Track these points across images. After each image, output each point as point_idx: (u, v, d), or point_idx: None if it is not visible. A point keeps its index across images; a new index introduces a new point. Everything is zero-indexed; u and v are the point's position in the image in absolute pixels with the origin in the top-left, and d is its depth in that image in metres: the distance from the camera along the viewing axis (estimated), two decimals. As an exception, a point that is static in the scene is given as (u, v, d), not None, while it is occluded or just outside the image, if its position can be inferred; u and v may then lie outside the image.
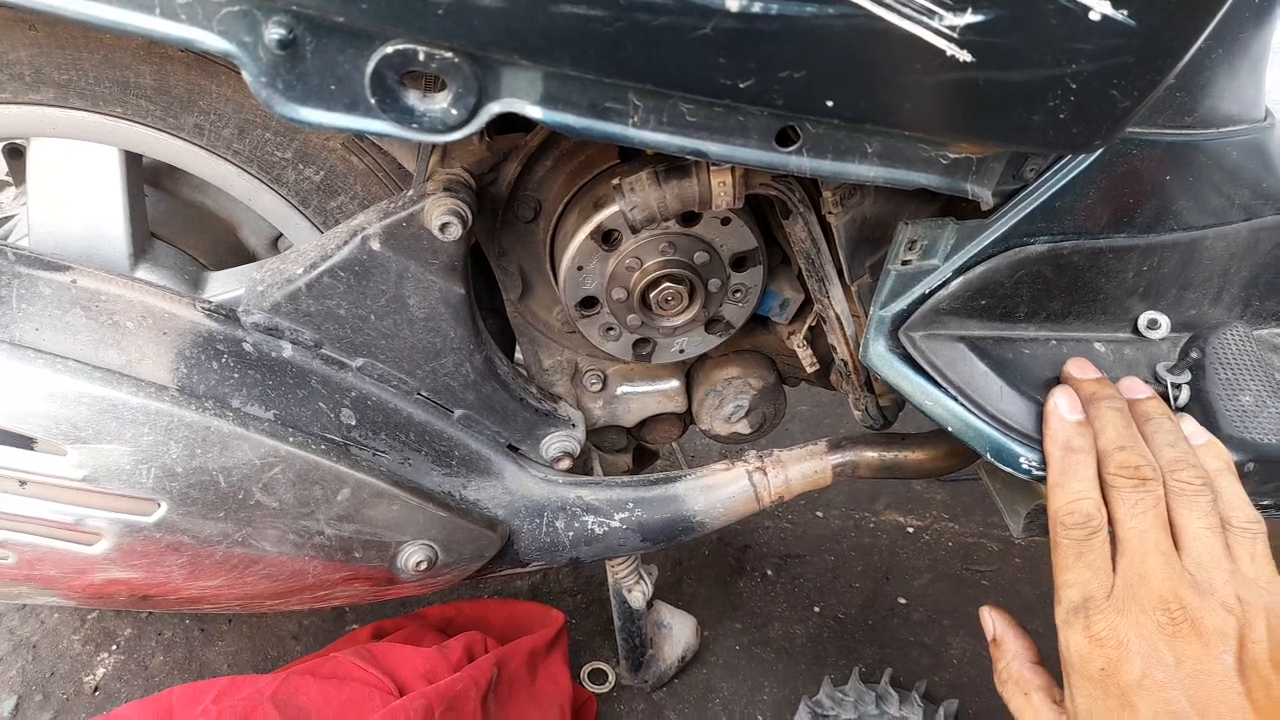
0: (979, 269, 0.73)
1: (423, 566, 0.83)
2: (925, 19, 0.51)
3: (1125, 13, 0.53)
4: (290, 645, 1.34)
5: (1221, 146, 0.78)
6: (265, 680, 0.95)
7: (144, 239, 0.86)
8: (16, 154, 1.00)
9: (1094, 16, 0.53)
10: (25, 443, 0.68)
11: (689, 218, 0.80)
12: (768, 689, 1.31)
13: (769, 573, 1.51)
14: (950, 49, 0.52)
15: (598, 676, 1.30)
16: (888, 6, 0.50)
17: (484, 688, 1.00)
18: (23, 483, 0.70)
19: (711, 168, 0.71)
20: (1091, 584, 0.65)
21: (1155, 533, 0.64)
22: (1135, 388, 0.74)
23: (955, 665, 1.36)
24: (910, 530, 1.61)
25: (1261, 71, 0.82)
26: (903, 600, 1.47)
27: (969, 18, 0.51)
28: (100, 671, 1.29)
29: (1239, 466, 0.72)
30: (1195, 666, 0.61)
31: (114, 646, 1.32)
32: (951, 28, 0.52)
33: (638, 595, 1.16)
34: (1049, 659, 0.72)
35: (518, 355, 0.99)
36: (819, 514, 1.64)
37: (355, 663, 0.99)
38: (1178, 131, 0.74)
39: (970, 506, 1.66)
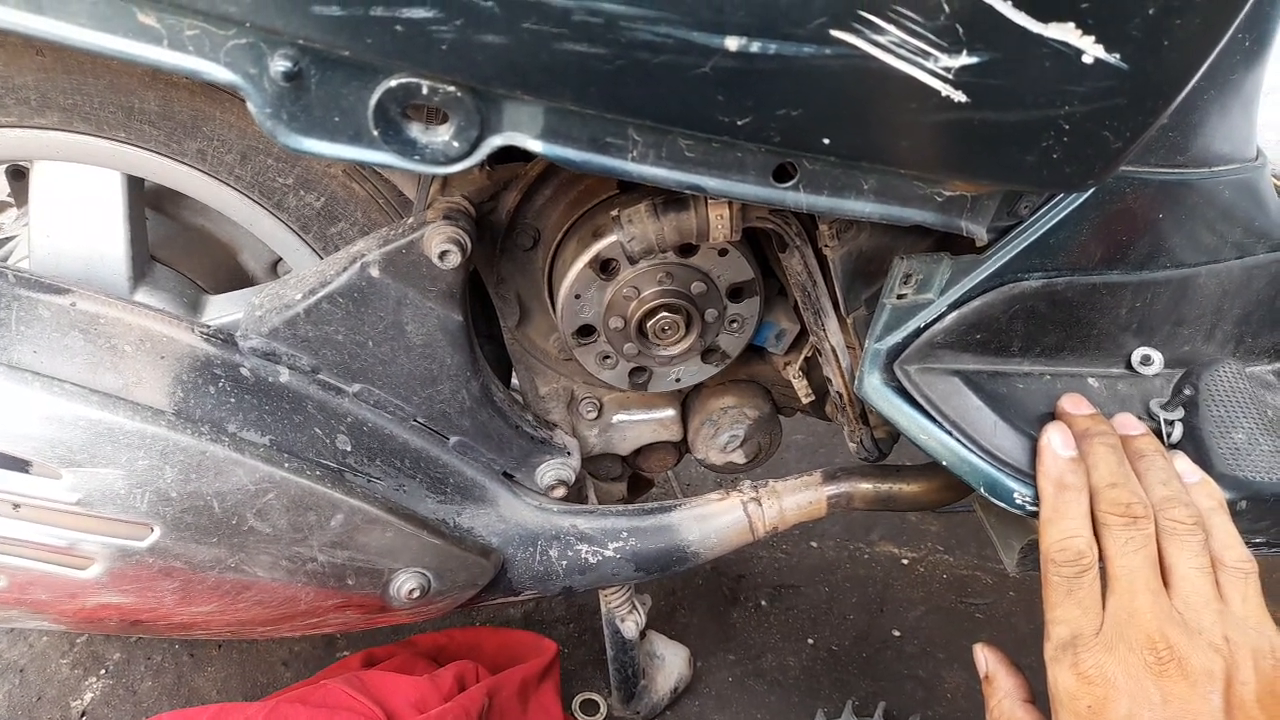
0: (974, 304, 0.74)
1: (415, 594, 0.83)
2: (921, 60, 0.52)
3: (1118, 56, 0.54)
4: (280, 672, 1.33)
5: (1214, 185, 0.79)
6: (255, 708, 0.94)
7: (144, 262, 0.86)
8: (19, 175, 1.00)
9: (1087, 59, 0.53)
10: (20, 465, 0.68)
11: (687, 248, 0.80)
12: (760, 721, 1.31)
13: (763, 603, 1.51)
14: (945, 90, 0.53)
15: (589, 707, 1.29)
16: (884, 48, 0.51)
17: (475, 717, 0.99)
18: (16, 506, 0.69)
19: (709, 201, 0.71)
20: (1080, 621, 0.65)
21: (1145, 571, 0.64)
22: (1129, 424, 0.75)
23: (949, 699, 1.35)
24: (905, 562, 1.61)
25: (1253, 111, 0.83)
26: (897, 633, 1.46)
27: (964, 59, 0.52)
28: (88, 696, 1.28)
29: (1231, 505, 0.72)
30: (1182, 706, 0.61)
31: (102, 671, 1.31)
32: (947, 69, 0.53)
33: (631, 625, 1.16)
34: (1043, 695, 0.72)
35: (514, 382, 0.99)
36: (814, 544, 1.63)
37: (345, 691, 0.98)
38: (1171, 170, 0.75)
39: (965, 539, 1.65)
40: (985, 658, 0.77)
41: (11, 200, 1.08)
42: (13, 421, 0.67)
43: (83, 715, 1.26)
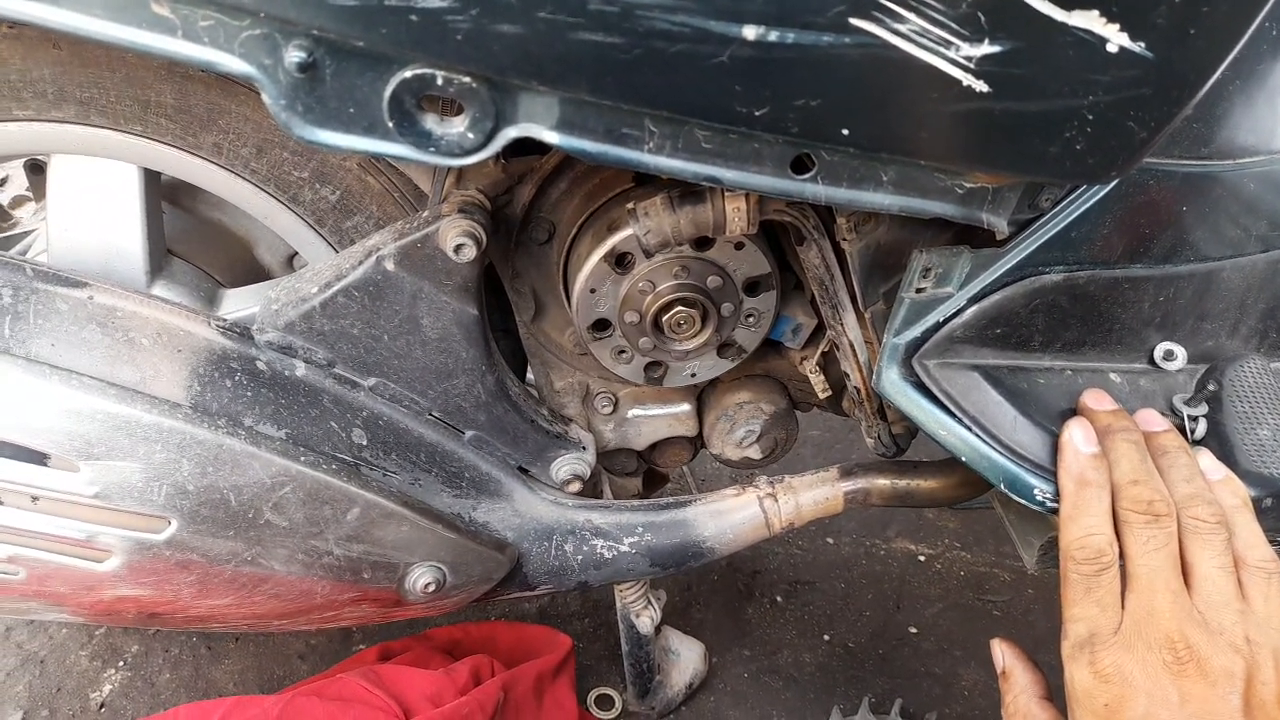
0: (994, 298, 0.73)
1: (431, 588, 0.83)
2: (942, 49, 0.51)
3: (1142, 45, 0.53)
4: (297, 665, 1.34)
5: (1239, 178, 0.77)
6: (271, 700, 0.94)
7: (161, 256, 0.87)
8: (38, 170, 1.01)
9: (1111, 48, 0.53)
10: (39, 458, 0.69)
11: (702, 242, 0.80)
12: (776, 718, 1.30)
13: (779, 599, 1.50)
14: (966, 79, 0.53)
15: (604, 702, 1.29)
16: (904, 36, 0.50)
17: (490, 712, 0.99)
18: (35, 498, 0.70)
19: (726, 194, 0.71)
20: (1099, 620, 0.64)
21: (1166, 571, 0.64)
22: (1152, 420, 0.74)
23: (966, 697, 1.34)
24: (922, 559, 1.60)
25: (1278, 102, 0.82)
26: (913, 630, 1.46)
27: (985, 48, 0.51)
28: (107, 688, 1.29)
29: (1256, 502, 0.71)
30: (1200, 706, 0.60)
31: (121, 663, 1.32)
32: (968, 58, 0.52)
33: (646, 620, 1.15)
34: (1061, 692, 0.71)
35: (529, 376, 0.99)
36: (830, 540, 1.63)
37: (361, 684, 0.98)
38: (1195, 162, 0.74)
39: (983, 535, 1.64)
40: (1003, 653, 0.76)
41: (30, 194, 1.08)
42: (31, 415, 0.67)
43: (101, 707, 1.27)
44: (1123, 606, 0.64)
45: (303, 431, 0.77)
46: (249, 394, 0.75)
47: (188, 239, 0.94)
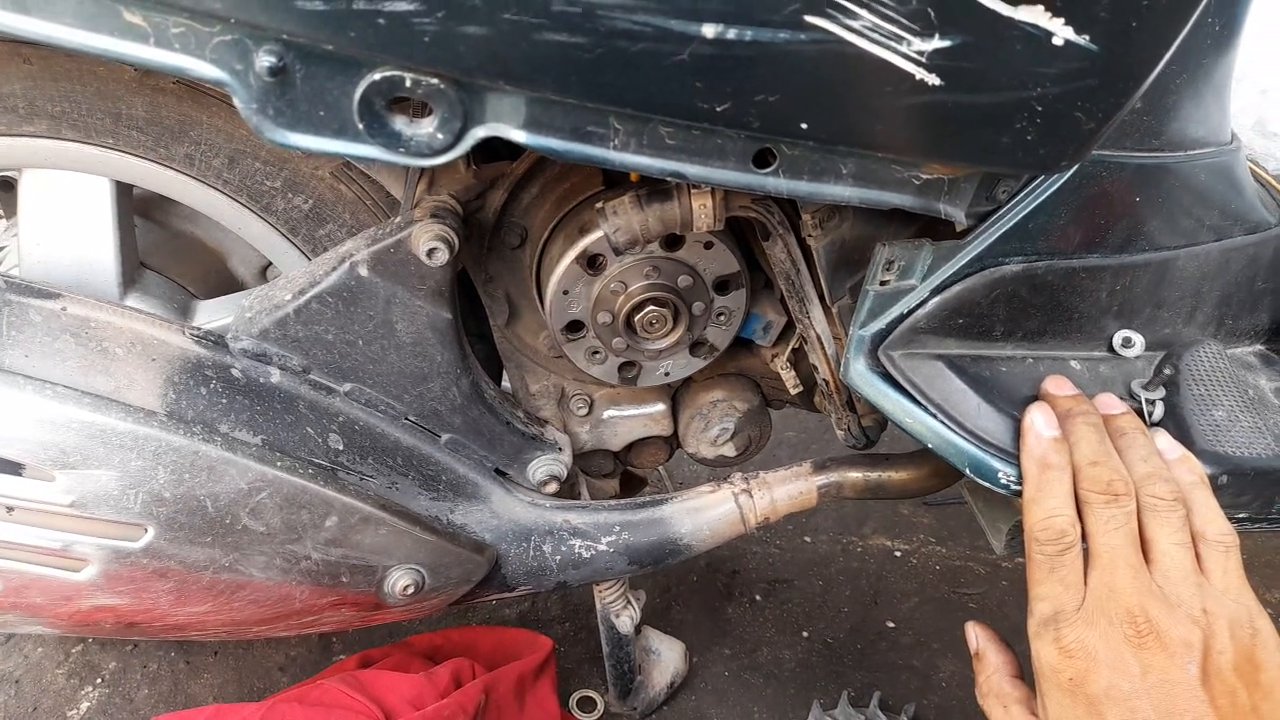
0: (955, 289, 0.75)
1: (410, 591, 0.84)
2: (894, 44, 0.53)
3: (1087, 38, 0.55)
4: (277, 677, 1.33)
5: (1190, 169, 0.80)
6: (252, 708, 0.94)
7: (134, 268, 0.87)
8: (7, 186, 1.01)
9: (1057, 41, 0.55)
10: (13, 468, 0.69)
11: (672, 242, 0.81)
12: (757, 715, 1.31)
13: (757, 598, 1.51)
14: (919, 73, 0.54)
15: (586, 704, 1.30)
16: (858, 32, 0.52)
17: (472, 713, 0.99)
18: (10, 509, 0.70)
19: (692, 190, 0.72)
20: (1063, 598, 0.66)
21: (1125, 548, 0.65)
22: (1110, 404, 0.76)
23: (944, 688, 1.36)
24: (898, 554, 1.62)
25: (1225, 96, 0.84)
26: (891, 624, 1.47)
27: (936, 43, 0.53)
28: (84, 706, 1.28)
29: (1212, 480, 0.73)
30: (1160, 676, 0.62)
31: (98, 680, 1.31)
32: (920, 52, 0.54)
33: (626, 620, 1.16)
34: (1032, 674, 0.73)
35: (505, 381, 1.00)
36: (807, 539, 1.64)
37: (342, 690, 0.98)
38: (1146, 154, 0.76)
39: (956, 530, 1.66)
40: (976, 635, 0.78)
41: (0, 211, 1.08)
42: (5, 425, 0.67)
43: (80, 726, 1.26)
44: (1085, 584, 0.66)
45: (279, 437, 0.78)
46: (224, 401, 0.76)
47: (161, 252, 0.94)
